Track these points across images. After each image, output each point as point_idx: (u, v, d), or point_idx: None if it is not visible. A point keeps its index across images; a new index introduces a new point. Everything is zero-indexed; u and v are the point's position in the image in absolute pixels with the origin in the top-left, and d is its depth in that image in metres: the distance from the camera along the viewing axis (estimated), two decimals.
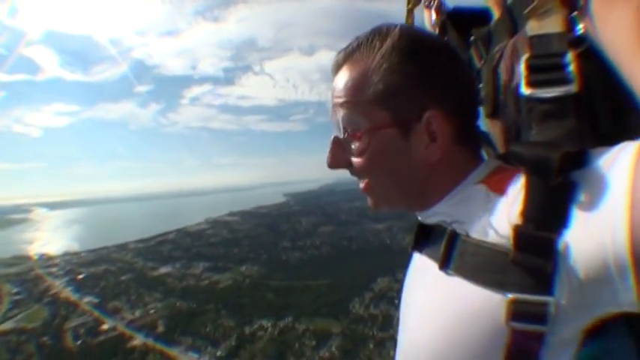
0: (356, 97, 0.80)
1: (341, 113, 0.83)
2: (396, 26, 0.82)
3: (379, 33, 0.81)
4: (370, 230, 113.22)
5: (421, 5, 1.36)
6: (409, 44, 0.79)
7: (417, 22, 1.40)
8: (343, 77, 0.83)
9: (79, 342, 60.64)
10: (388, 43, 0.79)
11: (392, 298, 65.39)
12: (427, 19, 1.33)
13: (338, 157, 0.86)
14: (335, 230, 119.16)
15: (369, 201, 0.89)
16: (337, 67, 0.86)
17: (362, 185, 0.87)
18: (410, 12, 1.40)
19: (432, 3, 1.22)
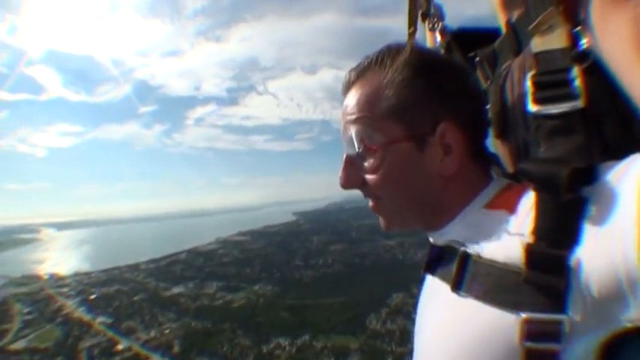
0: (370, 112, 0.81)
1: (354, 129, 0.83)
2: (406, 44, 0.85)
3: (390, 50, 0.84)
4: (382, 247, 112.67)
5: (421, 28, 1.36)
6: (420, 59, 0.81)
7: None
8: (356, 94, 0.84)
9: None
10: (400, 58, 0.81)
11: (408, 312, 64.79)
12: (430, 41, 1.33)
13: (351, 176, 0.86)
14: (346, 248, 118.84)
15: (382, 221, 0.90)
16: (349, 86, 0.87)
17: (372, 204, 0.88)
18: (411, 36, 1.43)
19: (435, 26, 1.22)
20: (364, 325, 63.98)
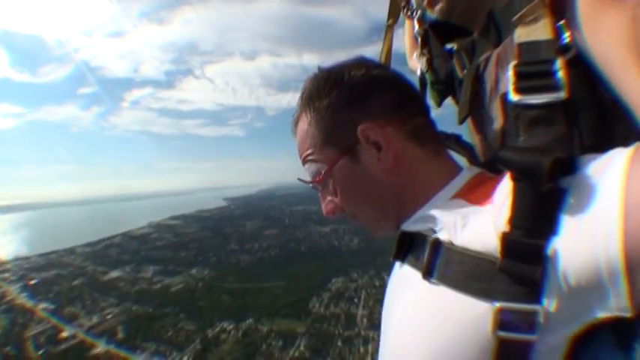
0: (308, 149, 0.88)
1: (306, 167, 0.91)
2: (308, 77, 0.92)
3: (302, 88, 0.91)
4: (316, 233, 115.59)
5: (400, 20, 1.40)
6: (322, 81, 0.86)
7: (395, 39, 1.44)
8: (297, 138, 0.92)
9: (42, 351, 57.27)
10: (305, 94, 0.88)
11: (350, 297, 67.79)
12: (408, 29, 1.36)
13: (327, 206, 0.91)
14: (280, 233, 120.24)
15: (368, 231, 0.93)
16: (294, 137, 0.95)
17: (354, 221, 0.92)
18: (390, 27, 1.45)
19: (414, 14, 1.21)
20: (307, 309, 65.70)
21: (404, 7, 1.26)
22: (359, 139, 0.81)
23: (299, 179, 0.93)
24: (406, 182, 0.83)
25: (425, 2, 1.10)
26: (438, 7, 1.06)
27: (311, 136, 0.87)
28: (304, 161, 0.90)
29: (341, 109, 0.83)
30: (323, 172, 0.85)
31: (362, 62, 0.91)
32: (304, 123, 0.88)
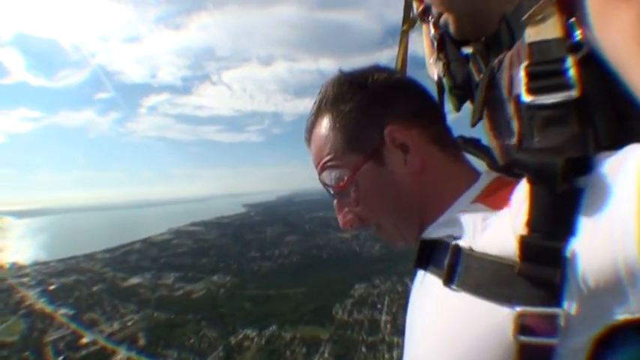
0: (327, 155, 0.86)
1: (324, 177, 0.88)
2: (328, 81, 0.90)
3: (320, 93, 0.89)
4: (337, 239, 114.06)
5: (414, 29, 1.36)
6: (345, 85, 0.86)
7: (411, 43, 1.42)
8: (314, 144, 0.90)
9: (62, 357, 57.34)
10: (327, 96, 0.87)
11: (373, 303, 66.31)
12: (425, 33, 1.32)
13: (346, 217, 0.89)
14: (301, 240, 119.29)
15: (389, 242, 0.91)
16: (308, 140, 0.93)
17: (376, 232, 0.90)
18: (404, 33, 1.41)
19: (429, 18, 1.19)
20: (331, 315, 64.41)
21: (421, 13, 1.25)
22: (385, 141, 0.81)
23: (323, 184, 0.90)
24: (430, 187, 0.83)
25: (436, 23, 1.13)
26: (450, 30, 1.09)
27: (332, 141, 0.85)
28: (323, 168, 0.88)
29: (365, 112, 0.83)
30: (346, 177, 0.84)
31: (381, 68, 0.92)
32: (323, 128, 0.87)
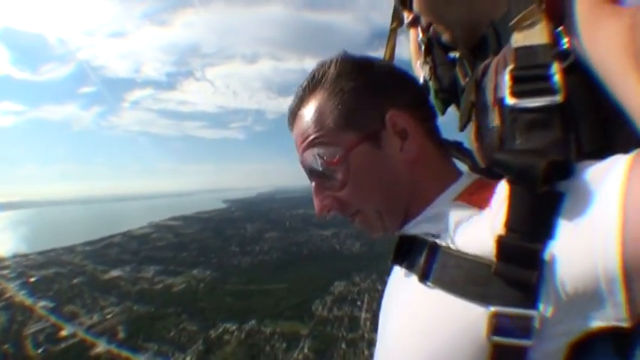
0: (320, 131, 0.81)
1: (312, 152, 0.82)
2: (331, 58, 0.86)
3: (318, 70, 0.85)
4: (317, 236, 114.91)
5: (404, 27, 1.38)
6: (350, 64, 0.83)
7: (398, 46, 1.43)
8: (302, 121, 0.84)
9: (41, 350, 56.52)
10: (330, 71, 0.83)
11: (353, 300, 67.22)
12: (413, 37, 1.34)
13: (324, 201, 0.85)
14: (282, 236, 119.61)
15: (367, 231, 0.88)
16: (293, 117, 0.88)
17: (353, 220, 0.86)
18: (393, 31, 1.42)
19: (417, 22, 1.19)
20: (311, 311, 65.09)
21: (410, 23, 1.24)
22: (385, 125, 0.79)
23: (304, 163, 0.86)
24: (420, 179, 0.82)
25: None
26: (442, 39, 1.10)
27: (325, 114, 0.81)
28: (311, 144, 0.82)
29: (368, 93, 0.81)
30: (338, 155, 0.79)
31: (382, 59, 0.90)
32: (318, 104, 0.82)
